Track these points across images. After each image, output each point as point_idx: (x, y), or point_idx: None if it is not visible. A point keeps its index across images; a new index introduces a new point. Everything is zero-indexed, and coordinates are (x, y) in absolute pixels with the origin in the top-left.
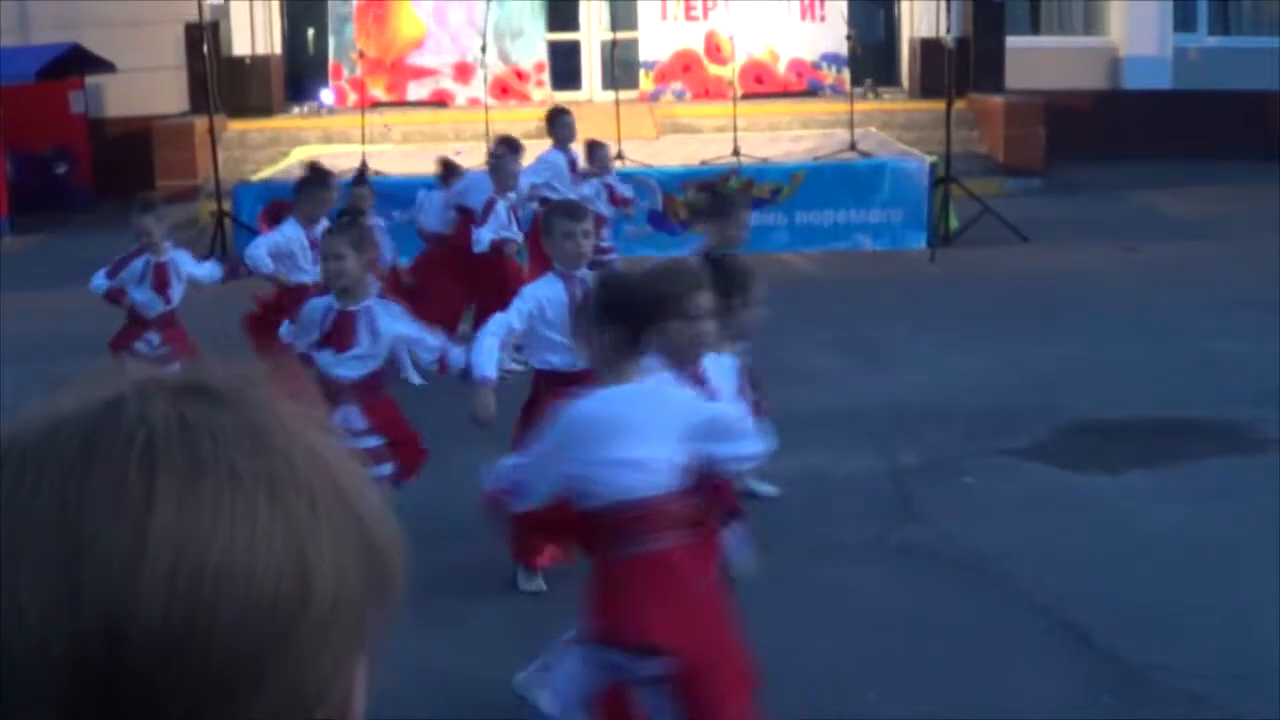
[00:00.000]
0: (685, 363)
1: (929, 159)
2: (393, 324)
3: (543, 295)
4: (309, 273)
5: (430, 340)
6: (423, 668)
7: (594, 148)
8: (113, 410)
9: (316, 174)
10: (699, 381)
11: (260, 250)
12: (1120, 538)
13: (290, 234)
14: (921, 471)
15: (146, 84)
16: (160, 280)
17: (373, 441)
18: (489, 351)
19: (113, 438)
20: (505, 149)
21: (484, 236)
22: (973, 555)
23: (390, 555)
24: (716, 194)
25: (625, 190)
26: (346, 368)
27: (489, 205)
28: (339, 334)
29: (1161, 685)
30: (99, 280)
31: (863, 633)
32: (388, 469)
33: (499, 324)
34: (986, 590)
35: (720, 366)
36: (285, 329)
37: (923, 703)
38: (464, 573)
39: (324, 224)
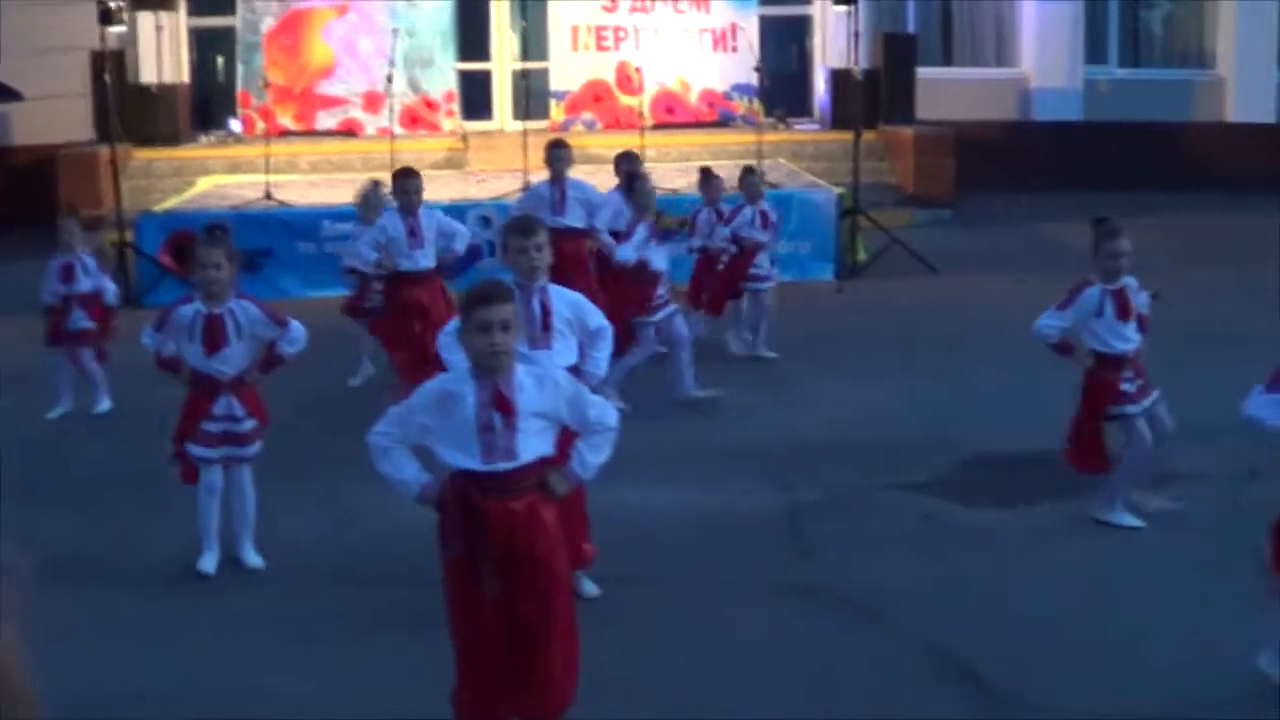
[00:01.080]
0: (483, 370)
1: (836, 190)
2: (254, 324)
3: None
4: (411, 259)
5: (291, 332)
6: (315, 709)
7: (708, 178)
8: None
9: (406, 170)
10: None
11: (362, 246)
12: (1016, 574)
13: (389, 224)
14: (818, 507)
15: (52, 111)
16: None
17: (251, 424)
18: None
19: None
20: (634, 164)
21: (628, 254)
22: (867, 592)
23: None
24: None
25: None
26: (224, 364)
27: (633, 224)
28: (211, 335)
29: None
30: None
31: (752, 670)
32: (256, 448)
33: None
34: (879, 628)
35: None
36: (148, 335)
37: None
38: (361, 613)
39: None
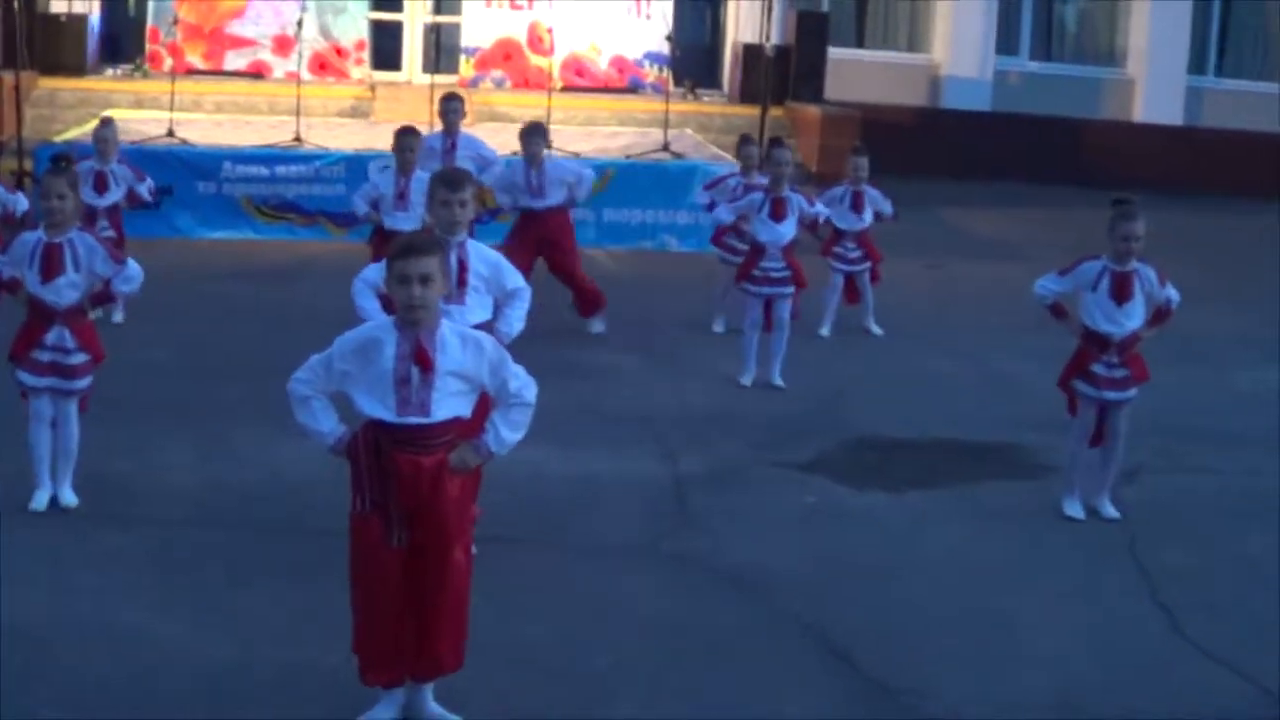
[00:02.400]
0: (405, 323)
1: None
2: (93, 257)
3: None
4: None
5: (128, 270)
6: (197, 657)
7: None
8: None
9: (406, 128)
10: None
11: (356, 198)
12: (894, 557)
13: (381, 183)
14: (702, 479)
15: None
16: None
17: (81, 358)
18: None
19: None
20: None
21: (724, 215)
22: (744, 568)
23: None
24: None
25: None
26: (57, 294)
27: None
28: (48, 263)
29: (916, 710)
30: None
31: (623, 638)
32: (88, 382)
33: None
34: (755, 605)
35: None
36: None
37: (676, 716)
38: (238, 559)
39: (418, 174)
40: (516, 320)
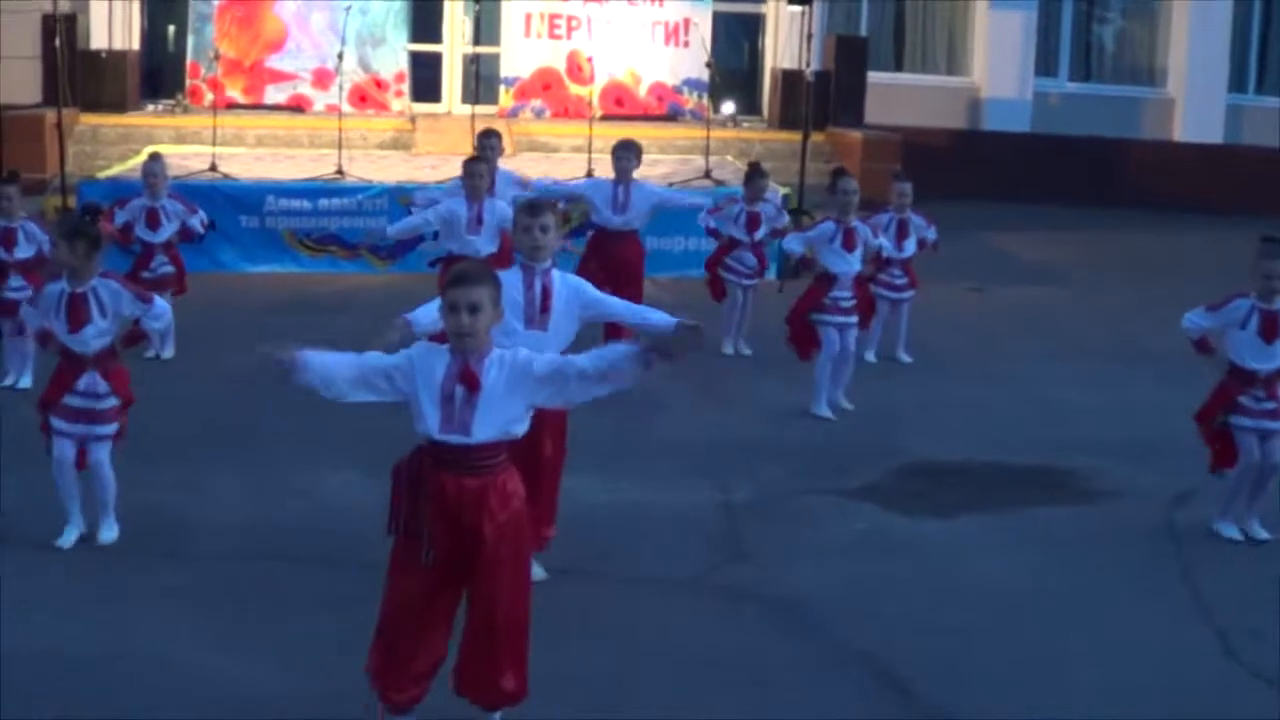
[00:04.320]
0: (455, 349)
1: (782, 191)
2: (119, 301)
3: (504, 281)
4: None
5: (155, 308)
6: (245, 689)
7: (754, 176)
8: None
9: (475, 158)
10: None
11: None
12: (945, 585)
13: (455, 206)
14: (751, 508)
15: (0, 73)
16: None
17: (111, 403)
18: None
19: None
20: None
21: (794, 245)
22: (796, 597)
23: None
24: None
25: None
26: (84, 344)
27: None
28: (74, 313)
29: None
30: None
31: (676, 670)
32: (116, 427)
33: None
34: (807, 634)
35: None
36: (26, 311)
37: None
38: (286, 592)
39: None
40: (630, 308)
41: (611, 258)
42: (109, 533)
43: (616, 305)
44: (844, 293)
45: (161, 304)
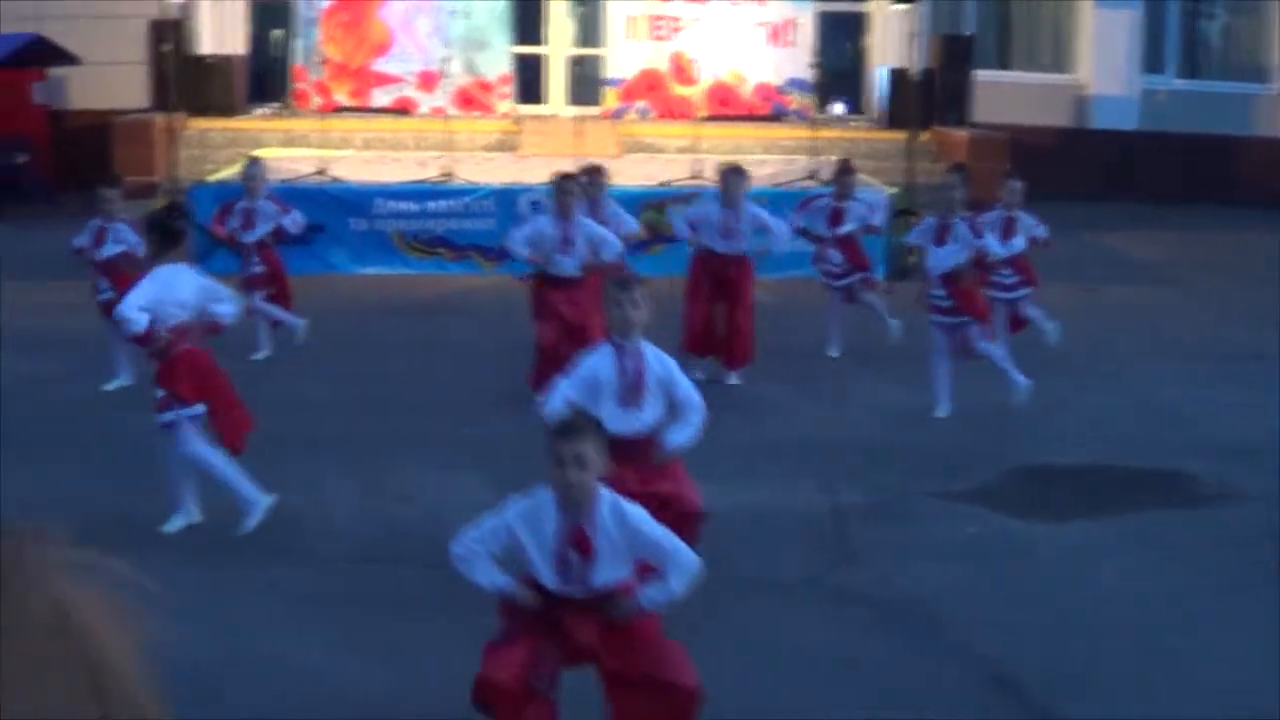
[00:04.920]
0: (562, 502)
1: (889, 191)
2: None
3: (594, 365)
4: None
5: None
6: (359, 692)
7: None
8: None
9: (564, 176)
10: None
11: (515, 243)
12: (1059, 589)
13: (543, 224)
14: (863, 511)
15: (110, 78)
16: None
17: (158, 394)
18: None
19: None
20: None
21: (945, 259)
22: (909, 601)
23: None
24: None
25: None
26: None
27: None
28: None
29: None
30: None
31: (790, 674)
32: (171, 416)
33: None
34: (921, 638)
35: None
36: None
37: None
38: (398, 595)
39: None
40: (688, 436)
41: (714, 279)
42: (173, 524)
43: (686, 419)
44: (937, 291)
45: (224, 290)
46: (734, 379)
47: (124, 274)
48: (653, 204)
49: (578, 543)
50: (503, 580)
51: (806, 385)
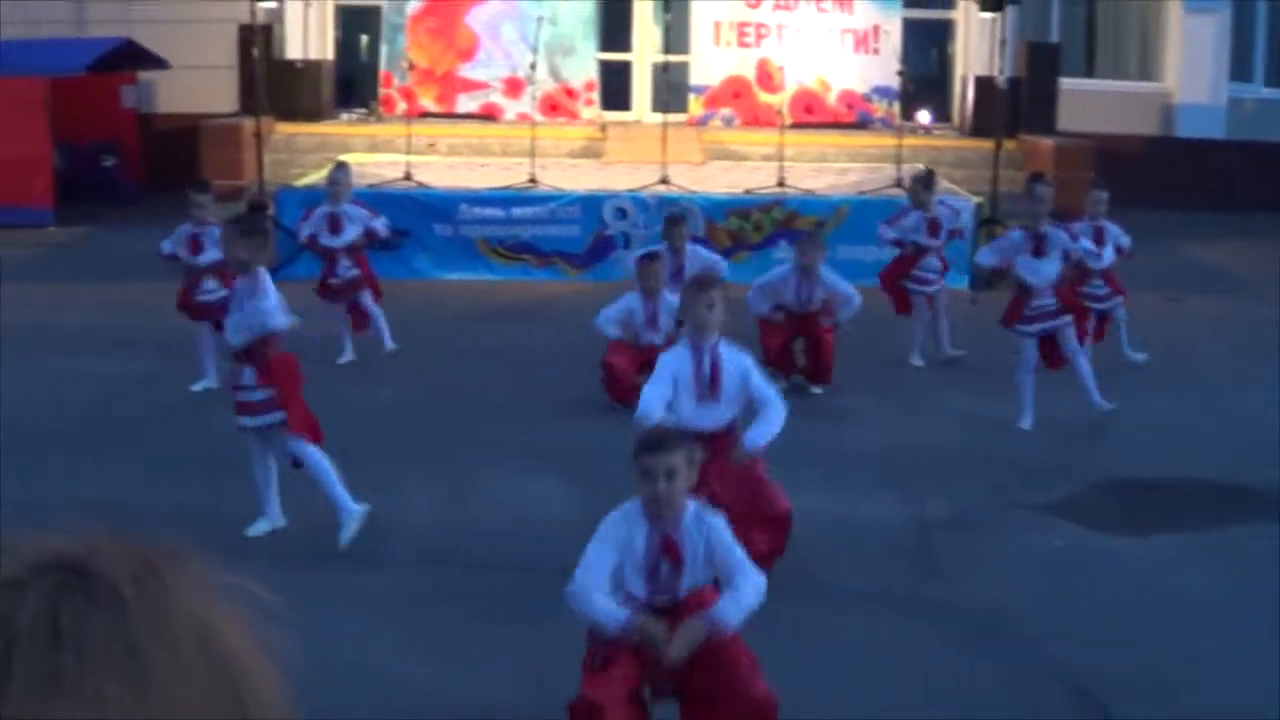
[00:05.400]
0: (651, 514)
1: (975, 199)
2: (260, 297)
3: (672, 362)
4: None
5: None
6: (436, 695)
7: (926, 182)
8: None
9: (648, 256)
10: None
11: (605, 322)
12: (1144, 603)
13: (633, 306)
14: (946, 522)
15: (198, 82)
16: None
17: (261, 395)
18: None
19: None
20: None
21: (986, 258)
22: (994, 613)
23: None
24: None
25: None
26: (233, 337)
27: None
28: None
29: None
30: None
31: (871, 684)
32: (275, 418)
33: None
34: (1005, 651)
35: None
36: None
37: None
38: (483, 600)
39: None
40: (768, 433)
41: (797, 320)
42: (256, 528)
43: (768, 416)
44: (1044, 300)
45: (280, 304)
46: (817, 389)
47: (230, 275)
48: (736, 211)
49: (668, 551)
50: (622, 614)
51: (890, 394)
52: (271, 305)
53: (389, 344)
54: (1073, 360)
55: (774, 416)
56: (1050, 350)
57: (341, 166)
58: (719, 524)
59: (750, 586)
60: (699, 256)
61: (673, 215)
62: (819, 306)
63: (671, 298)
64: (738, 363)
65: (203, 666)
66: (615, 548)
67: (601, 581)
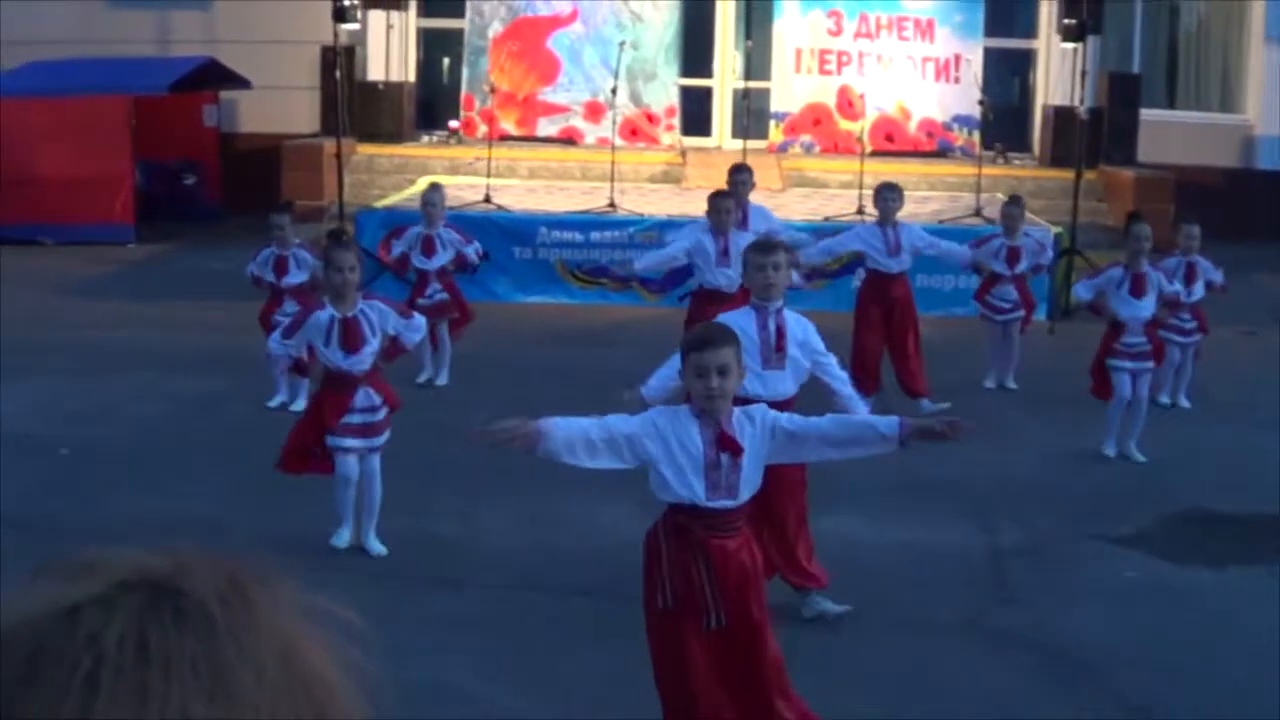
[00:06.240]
0: (703, 411)
1: (1054, 230)
2: (385, 319)
3: (736, 325)
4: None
5: (415, 321)
6: (514, 718)
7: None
8: (68, 624)
9: (720, 190)
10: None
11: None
12: (1217, 637)
13: (703, 239)
14: (1021, 552)
15: (280, 102)
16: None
17: (384, 413)
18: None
19: (57, 660)
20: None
21: (1082, 293)
22: (1067, 646)
23: None
24: None
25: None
26: (362, 364)
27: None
28: (349, 338)
29: None
30: None
31: (942, 714)
32: (387, 436)
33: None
34: (1078, 685)
35: None
36: (276, 343)
37: None
38: (556, 622)
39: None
40: (845, 378)
41: (888, 299)
42: (378, 544)
43: (835, 374)
44: (1136, 338)
45: (419, 318)
46: (929, 405)
47: (309, 298)
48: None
49: (727, 444)
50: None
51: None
52: (418, 322)
53: (435, 376)
54: (1138, 407)
55: (837, 368)
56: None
57: (435, 188)
58: (773, 415)
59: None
60: (761, 212)
61: (738, 165)
62: (907, 266)
63: (744, 234)
64: (802, 328)
65: (288, 687)
66: (659, 439)
67: (590, 424)
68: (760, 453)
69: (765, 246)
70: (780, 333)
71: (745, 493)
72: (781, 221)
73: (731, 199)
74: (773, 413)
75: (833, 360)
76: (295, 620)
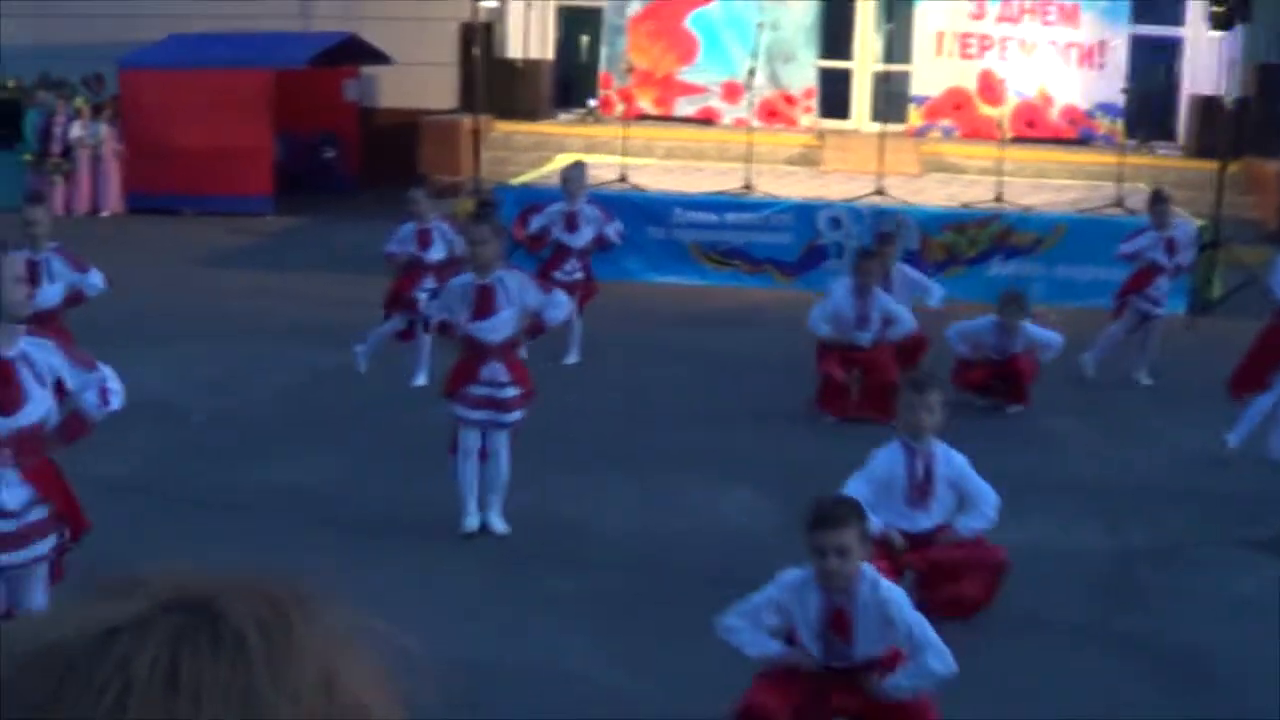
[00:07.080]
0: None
1: (1197, 222)
2: (525, 292)
3: (884, 465)
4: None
5: (557, 297)
6: (628, 704)
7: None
8: (102, 645)
9: (865, 254)
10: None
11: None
12: None
13: (841, 304)
14: (1150, 555)
15: (419, 79)
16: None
17: (514, 392)
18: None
19: (87, 682)
20: None
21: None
22: (1195, 653)
23: None
24: None
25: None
26: (492, 331)
27: None
28: (481, 303)
29: None
30: None
31: (1062, 716)
32: (520, 415)
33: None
34: (1204, 692)
35: None
36: (425, 304)
37: None
38: (671, 607)
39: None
40: (980, 526)
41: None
42: (502, 522)
43: (976, 516)
44: None
45: (561, 295)
46: (1014, 408)
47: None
48: (952, 225)
49: (837, 625)
50: (773, 646)
51: (1096, 419)
52: (559, 299)
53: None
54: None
55: (988, 511)
56: None
57: (577, 165)
58: (897, 597)
59: (932, 658)
60: (906, 277)
61: (883, 233)
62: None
63: (884, 297)
64: (951, 465)
65: (326, 716)
66: (788, 601)
67: (760, 622)
68: (880, 637)
69: (922, 386)
70: (929, 473)
71: (863, 654)
72: (927, 280)
73: (875, 261)
74: (897, 603)
75: (988, 502)
76: (338, 646)
